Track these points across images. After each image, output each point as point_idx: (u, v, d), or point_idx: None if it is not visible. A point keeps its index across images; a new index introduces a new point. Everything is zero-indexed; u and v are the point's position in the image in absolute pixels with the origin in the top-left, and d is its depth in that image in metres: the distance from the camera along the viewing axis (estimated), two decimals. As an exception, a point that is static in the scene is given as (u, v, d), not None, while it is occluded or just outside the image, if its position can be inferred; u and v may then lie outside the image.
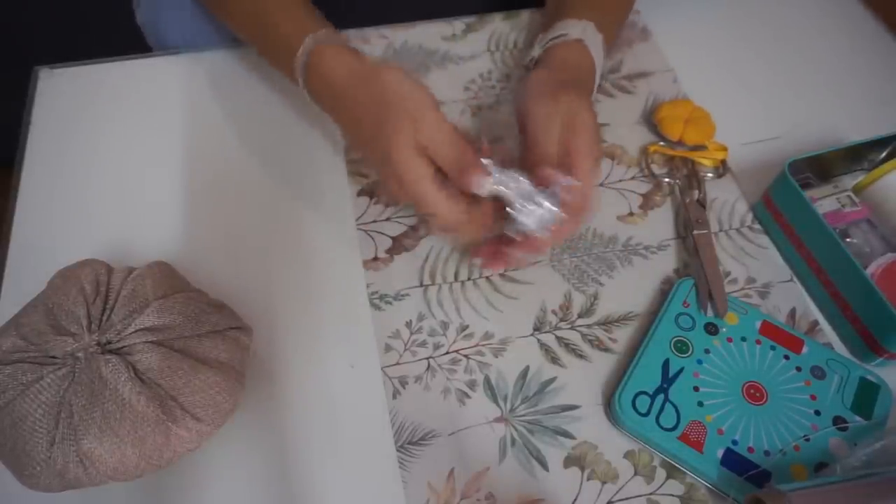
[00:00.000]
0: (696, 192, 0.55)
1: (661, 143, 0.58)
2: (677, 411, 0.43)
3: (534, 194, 0.44)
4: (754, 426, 0.43)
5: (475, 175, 0.43)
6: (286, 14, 0.51)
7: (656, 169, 0.58)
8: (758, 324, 0.47)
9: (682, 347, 0.46)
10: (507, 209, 0.45)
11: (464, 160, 0.43)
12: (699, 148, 0.57)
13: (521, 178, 0.44)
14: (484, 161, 0.44)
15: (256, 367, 0.46)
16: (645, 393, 0.44)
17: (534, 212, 0.44)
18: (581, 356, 0.47)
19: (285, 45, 0.50)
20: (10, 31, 1.18)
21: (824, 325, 0.49)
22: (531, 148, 0.46)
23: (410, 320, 0.49)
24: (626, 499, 0.42)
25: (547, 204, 0.44)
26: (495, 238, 0.48)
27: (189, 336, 0.40)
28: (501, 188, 0.44)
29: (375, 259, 0.52)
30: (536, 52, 0.54)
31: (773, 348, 0.46)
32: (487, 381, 0.46)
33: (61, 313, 0.39)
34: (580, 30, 0.52)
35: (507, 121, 0.60)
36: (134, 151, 0.57)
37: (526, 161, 0.47)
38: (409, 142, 0.42)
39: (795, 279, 0.51)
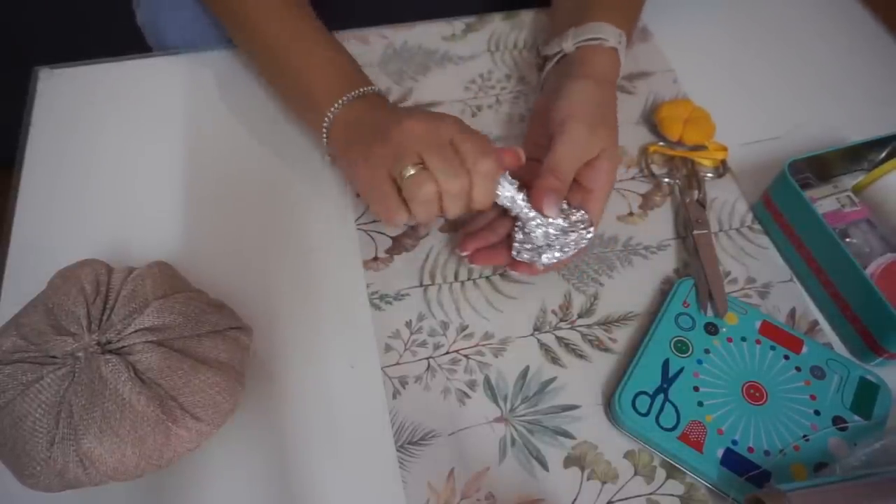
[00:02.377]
0: (696, 192, 0.55)
1: (661, 143, 0.58)
2: (677, 411, 0.43)
3: (561, 229, 0.45)
4: (754, 426, 0.43)
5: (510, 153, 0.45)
6: (319, 74, 0.51)
7: (656, 169, 0.58)
8: (757, 324, 0.47)
9: (681, 347, 0.46)
10: (524, 234, 0.46)
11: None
12: (699, 148, 0.57)
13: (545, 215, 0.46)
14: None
15: (256, 367, 0.46)
16: (645, 393, 0.44)
17: (563, 248, 0.45)
18: (581, 356, 0.47)
19: (315, 104, 0.50)
20: (10, 31, 1.18)
21: (824, 325, 0.49)
22: (551, 166, 0.45)
23: (410, 320, 0.49)
24: (626, 499, 0.42)
25: (577, 243, 0.46)
26: (482, 232, 0.48)
27: (189, 336, 0.40)
28: (519, 206, 0.45)
29: (375, 259, 0.52)
30: (568, 47, 0.53)
31: (772, 348, 0.46)
32: (487, 381, 0.46)
33: (61, 313, 0.39)
34: (617, 38, 0.52)
35: (507, 121, 0.60)
36: (134, 151, 0.57)
37: (539, 156, 0.47)
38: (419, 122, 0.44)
39: (795, 279, 0.51)
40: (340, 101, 0.48)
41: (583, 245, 0.46)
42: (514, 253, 0.46)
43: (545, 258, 0.45)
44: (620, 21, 0.53)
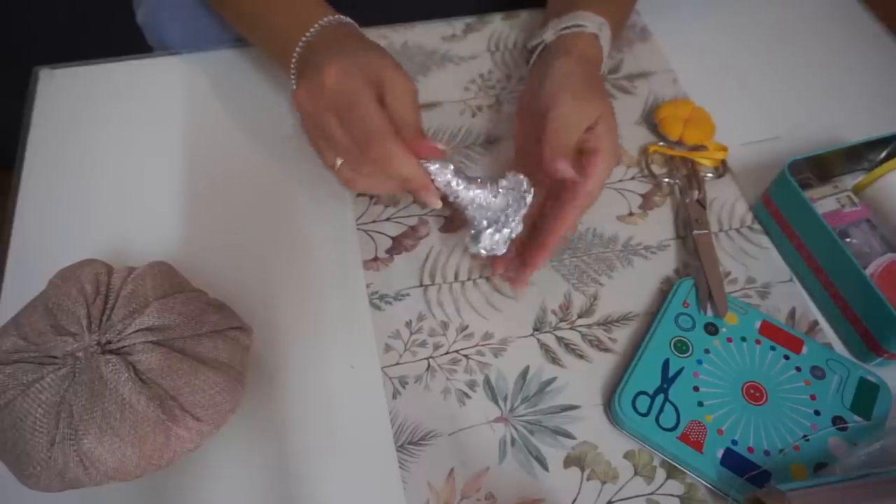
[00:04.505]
0: (696, 192, 0.55)
1: (661, 143, 0.58)
2: (677, 411, 0.43)
3: (500, 205, 0.44)
4: (754, 426, 0.43)
5: (426, 146, 0.43)
6: (289, 4, 0.51)
7: (656, 169, 0.58)
8: (757, 324, 0.47)
9: (681, 347, 0.46)
10: (468, 220, 0.46)
11: (415, 123, 0.44)
12: (699, 148, 0.57)
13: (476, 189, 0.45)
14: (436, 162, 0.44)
15: (256, 367, 0.46)
16: (645, 393, 0.44)
17: (494, 235, 0.44)
18: (581, 356, 0.47)
19: (285, 36, 0.49)
20: (10, 31, 1.18)
21: (824, 325, 0.49)
22: (550, 137, 0.45)
23: (410, 320, 0.49)
24: (626, 499, 0.42)
25: (515, 221, 0.44)
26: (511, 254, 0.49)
27: (189, 336, 0.40)
28: (454, 190, 0.44)
29: (375, 259, 0.52)
30: (549, 36, 0.53)
31: (772, 348, 0.46)
32: (487, 381, 0.46)
33: (61, 313, 0.39)
34: (597, 25, 0.52)
35: (507, 121, 0.60)
36: (134, 151, 0.57)
37: (533, 148, 0.47)
38: (369, 77, 0.43)
39: (795, 279, 0.51)
40: (303, 40, 0.48)
41: (523, 210, 0.44)
42: (472, 250, 0.46)
43: (488, 238, 0.44)
44: (604, 10, 0.53)
